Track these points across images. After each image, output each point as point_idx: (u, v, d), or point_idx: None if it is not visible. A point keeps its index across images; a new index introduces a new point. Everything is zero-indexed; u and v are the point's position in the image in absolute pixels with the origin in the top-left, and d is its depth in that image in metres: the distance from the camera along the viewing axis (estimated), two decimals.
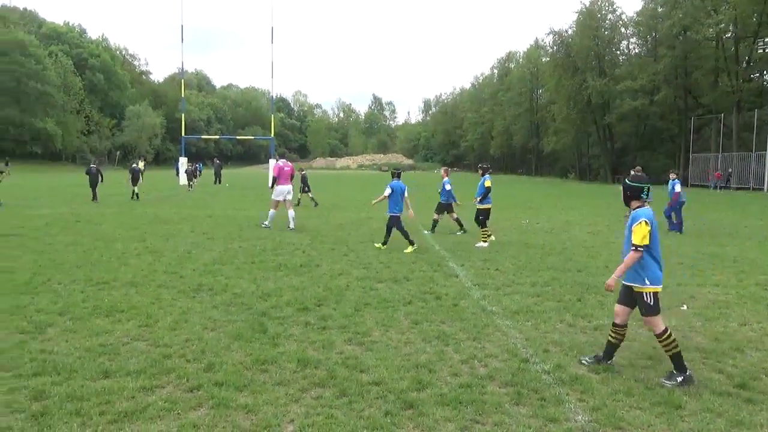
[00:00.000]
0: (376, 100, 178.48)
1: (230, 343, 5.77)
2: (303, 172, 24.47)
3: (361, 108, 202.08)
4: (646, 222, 5.00)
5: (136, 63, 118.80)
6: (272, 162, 46.00)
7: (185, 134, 48.57)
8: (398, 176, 12.32)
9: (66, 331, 6.04)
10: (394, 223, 12.05)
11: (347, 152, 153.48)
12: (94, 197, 23.82)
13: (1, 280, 8.35)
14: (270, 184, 16.17)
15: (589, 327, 6.63)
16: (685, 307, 7.57)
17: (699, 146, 54.52)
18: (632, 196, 5.25)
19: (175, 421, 4.09)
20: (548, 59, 72.96)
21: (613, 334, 5.36)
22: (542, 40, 79.00)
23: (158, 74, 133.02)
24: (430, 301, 7.66)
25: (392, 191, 11.91)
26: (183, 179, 39.81)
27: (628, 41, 67.36)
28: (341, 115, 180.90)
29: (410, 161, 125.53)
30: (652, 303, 5.07)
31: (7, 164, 53.78)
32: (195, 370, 5.05)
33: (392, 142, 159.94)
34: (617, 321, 5.33)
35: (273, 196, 15.54)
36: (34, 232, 13.66)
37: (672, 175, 16.75)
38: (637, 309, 5.23)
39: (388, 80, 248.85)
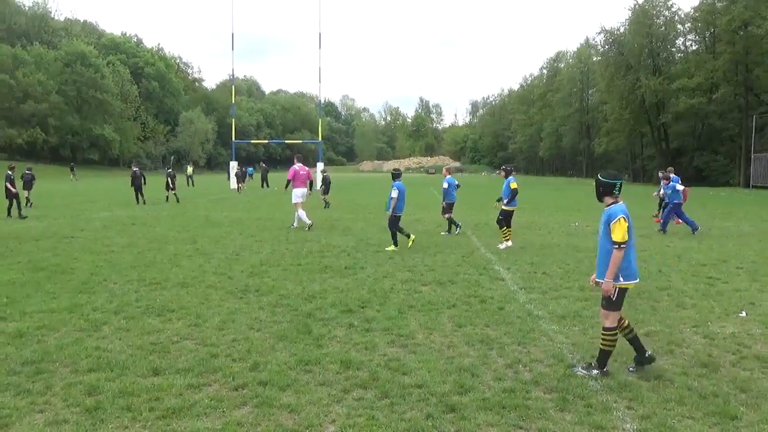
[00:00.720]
0: (423, 103, 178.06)
1: (275, 344, 5.87)
2: (325, 174, 25.00)
3: (409, 111, 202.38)
4: (624, 218, 5.02)
5: (189, 71, 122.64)
6: (320, 165, 46.66)
7: (236, 139, 49.67)
8: (399, 177, 12.56)
9: (120, 330, 6.27)
10: (395, 222, 12.31)
11: (394, 155, 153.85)
12: (137, 200, 25.06)
13: (62, 280, 8.74)
14: (285, 187, 16.78)
15: (639, 333, 6.40)
16: (744, 313, 7.24)
17: (762, 146, 52.05)
18: (605, 192, 5.27)
19: (220, 418, 4.19)
20: (599, 58, 71.24)
21: (623, 334, 5.29)
22: (593, 39, 77.33)
23: (210, 81, 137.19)
24: (474, 305, 7.58)
25: (400, 193, 12.19)
26: (234, 183, 40.81)
27: (684, 38, 65.00)
28: (388, 118, 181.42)
29: (457, 164, 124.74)
30: (614, 298, 5.10)
31: (72, 169, 56.63)
32: (240, 369, 5.16)
33: (439, 144, 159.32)
34: (607, 324, 5.20)
35: (293, 200, 16.09)
36: (93, 234, 14.24)
37: (662, 177, 17.13)
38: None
39: (435, 83, 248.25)
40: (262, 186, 43.47)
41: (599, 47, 70.43)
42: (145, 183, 25.50)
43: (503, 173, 13.35)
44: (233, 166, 43.37)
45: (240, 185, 37.77)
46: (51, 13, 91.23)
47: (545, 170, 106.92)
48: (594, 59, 77.37)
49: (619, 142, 68.20)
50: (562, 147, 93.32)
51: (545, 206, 22.75)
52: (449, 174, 15.64)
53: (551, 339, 6.14)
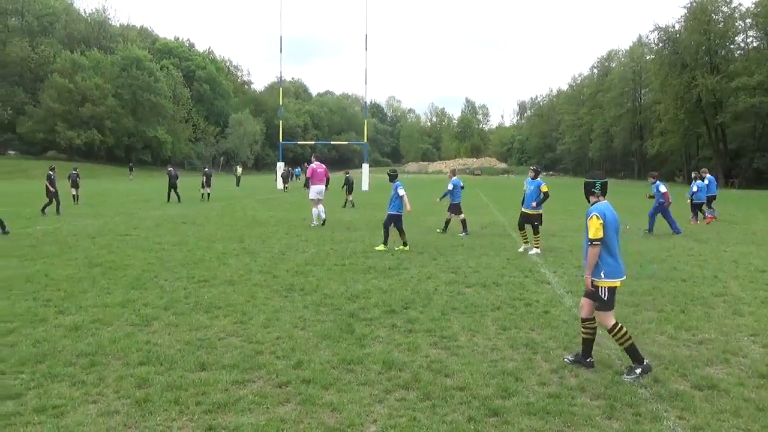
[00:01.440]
0: (470, 104, 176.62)
1: (319, 342, 5.92)
2: (348, 175, 25.49)
3: (455, 112, 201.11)
4: (597, 216, 5.16)
5: (238, 73, 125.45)
6: (365, 167, 46.93)
7: (283, 140, 50.47)
8: (396, 177, 12.87)
9: (169, 325, 6.45)
10: (395, 220, 12.45)
11: (440, 156, 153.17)
12: (168, 198, 26.41)
13: (116, 276, 9.06)
14: (304, 185, 17.37)
15: (693, 341, 6.18)
16: None
17: None
18: (587, 192, 5.52)
19: (264, 414, 4.25)
20: (653, 57, 69.10)
21: (584, 330, 5.39)
22: (646, 37, 75.15)
23: (259, 84, 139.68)
24: (519, 308, 7.47)
25: (397, 191, 12.46)
26: (281, 183, 41.48)
27: (745, 34, 62.32)
28: (434, 119, 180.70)
29: (504, 165, 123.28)
30: (606, 298, 5.19)
31: (131, 169, 58.94)
32: (284, 366, 5.22)
33: (485, 145, 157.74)
34: (582, 315, 5.39)
35: (310, 197, 16.91)
36: (146, 233, 14.71)
37: (650, 179, 17.33)
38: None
39: (482, 83, 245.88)
40: (306, 186, 44.06)
41: (653, 45, 68.35)
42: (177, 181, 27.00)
43: (532, 173, 12.72)
44: (280, 166, 44.08)
45: (285, 186, 38.42)
46: (109, 19, 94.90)
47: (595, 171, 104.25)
48: (647, 58, 75.15)
49: (673, 143, 65.96)
50: (613, 148, 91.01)
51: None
52: (455, 176, 15.88)
53: (598, 344, 5.94)
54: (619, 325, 5.19)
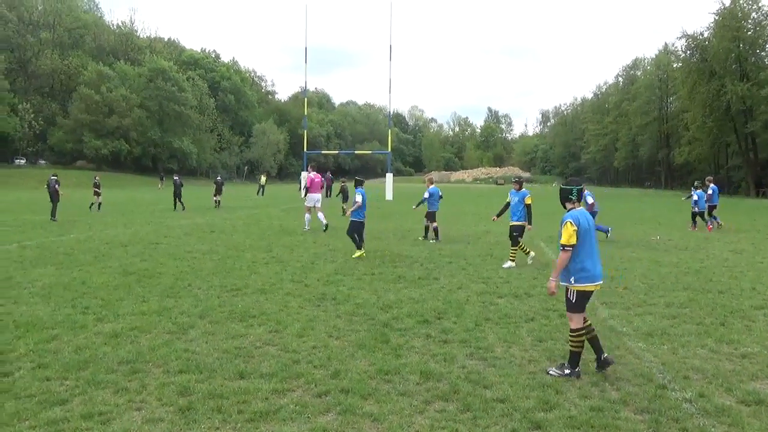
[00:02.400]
0: (492, 113, 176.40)
1: (354, 352, 5.92)
2: (344, 185, 26.67)
3: (478, 121, 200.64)
4: (570, 223, 5.32)
5: (262, 84, 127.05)
6: (389, 176, 47.02)
7: (307, 150, 50.83)
8: (362, 184, 13.39)
9: (206, 333, 6.51)
10: (358, 227, 12.72)
11: (462, 166, 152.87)
12: (175, 206, 27.05)
13: (151, 284, 9.20)
14: (303, 194, 18.11)
15: (735, 354, 6.04)
16: None
17: None
18: (563, 198, 5.68)
19: (305, 424, 4.26)
20: (680, 65, 68.20)
21: (586, 336, 5.45)
22: (673, 45, 74.43)
23: (282, 94, 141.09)
24: (553, 319, 7.39)
25: (363, 198, 12.86)
26: (305, 192, 41.74)
27: None
28: (456, 128, 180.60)
29: (527, 174, 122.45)
30: (573, 300, 5.37)
31: (162, 179, 60.11)
32: (322, 376, 5.23)
33: (508, 155, 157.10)
34: (577, 326, 5.44)
35: (306, 203, 18.19)
36: (176, 241, 14.92)
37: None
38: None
39: (505, 92, 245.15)
40: (327, 195, 44.27)
41: (680, 53, 67.48)
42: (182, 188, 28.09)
43: (516, 185, 12.11)
44: (304, 176, 44.35)
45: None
46: (136, 31, 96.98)
47: (620, 181, 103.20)
48: (674, 65, 74.16)
49: (701, 152, 64.93)
50: (638, 157, 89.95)
51: (622, 219, 21.94)
52: (432, 185, 16.19)
53: (638, 357, 5.88)
54: (584, 331, 5.37)
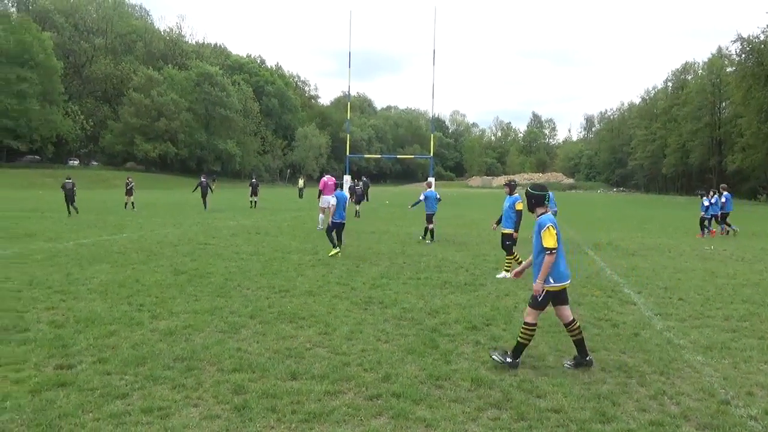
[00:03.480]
0: (536, 118, 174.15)
1: (404, 357, 5.91)
2: (358, 186, 29.09)
3: (520, 126, 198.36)
4: (552, 227, 5.61)
5: (306, 88, 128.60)
6: (431, 180, 46.84)
7: (349, 153, 51.16)
8: (341, 187, 14.41)
9: (257, 333, 6.61)
10: (336, 228, 13.33)
11: (504, 171, 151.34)
12: (205, 206, 28.36)
13: (202, 284, 9.40)
14: (317, 196, 19.52)
15: None
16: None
17: None
18: (536, 203, 5.86)
19: (358, 427, 4.27)
20: (734, 69, 65.92)
21: (571, 333, 5.76)
22: (726, 49, 71.94)
23: (325, 98, 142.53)
24: (606, 329, 7.21)
25: (337, 201, 13.37)
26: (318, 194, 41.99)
27: None
28: (499, 133, 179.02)
29: (571, 180, 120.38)
30: (540, 299, 5.64)
31: (214, 180, 61.74)
32: (373, 379, 5.24)
33: (551, 160, 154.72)
34: (564, 322, 5.80)
35: (320, 204, 19.14)
36: (224, 242, 15.22)
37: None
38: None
39: (549, 97, 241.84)
40: (364, 199, 44.42)
41: (734, 57, 65.24)
42: (212, 191, 30.06)
43: (506, 189, 11.60)
44: (347, 180, 44.60)
45: (352, 200, 39.02)
46: (184, 37, 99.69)
47: (669, 188, 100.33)
48: (728, 70, 71.75)
49: (756, 159, 62.47)
50: (688, 164, 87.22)
51: (673, 227, 21.33)
52: (430, 188, 17.14)
53: (698, 371, 5.68)
54: (536, 326, 5.72)
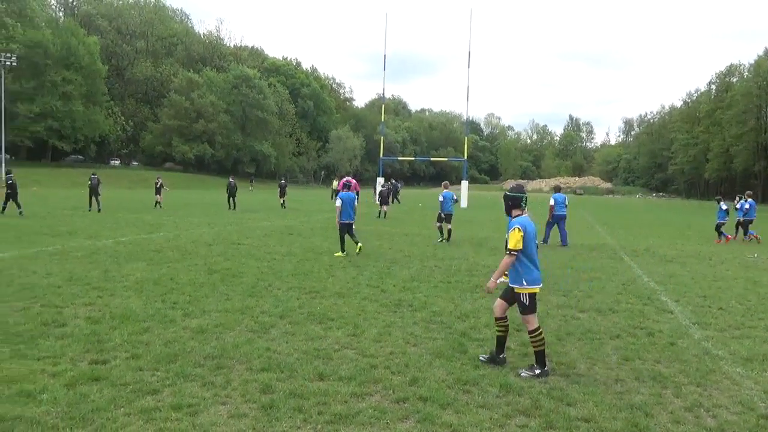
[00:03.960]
0: (573, 121, 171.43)
1: (432, 360, 5.87)
2: (384, 189, 29.69)
3: (557, 129, 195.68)
4: (518, 228, 5.61)
5: (341, 91, 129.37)
6: (464, 183, 46.64)
7: (383, 156, 51.28)
8: (348, 188, 14.33)
9: (286, 334, 6.66)
10: (345, 229, 13.59)
11: (539, 174, 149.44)
12: (230, 206, 29.15)
13: (234, 283, 9.53)
14: (331, 196, 19.02)
15: None
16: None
17: None
18: (513, 205, 5.91)
19: (384, 430, 4.25)
20: None
21: (498, 328, 5.86)
22: None
23: (359, 101, 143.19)
24: (641, 337, 7.03)
25: (342, 202, 13.59)
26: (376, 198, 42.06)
27: None
28: (534, 136, 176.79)
29: (608, 185, 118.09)
30: (527, 303, 5.65)
31: (251, 181, 62.85)
32: (400, 382, 5.22)
33: (588, 164, 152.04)
34: (496, 314, 5.84)
35: (336, 204, 19.45)
36: (256, 242, 15.40)
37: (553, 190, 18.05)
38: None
39: (585, 100, 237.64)
40: (393, 201, 44.43)
41: None
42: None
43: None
44: (380, 182, 44.72)
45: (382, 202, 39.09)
46: (222, 40, 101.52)
47: (710, 194, 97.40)
48: None
49: None
50: (732, 169, 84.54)
51: (715, 234, 20.70)
52: (446, 189, 17.46)
53: (737, 383, 5.49)
54: (540, 329, 5.63)
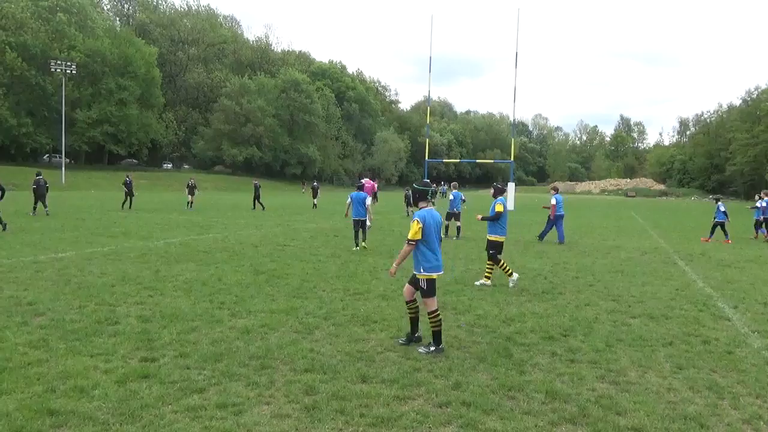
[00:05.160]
0: (624, 121, 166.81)
1: (476, 365, 5.79)
2: (407, 191, 30.38)
3: (607, 129, 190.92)
4: (417, 221, 6.10)
5: (386, 93, 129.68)
6: (511, 185, 46.05)
7: (428, 158, 51.13)
8: (360, 188, 15.34)
9: (330, 335, 6.69)
10: (357, 225, 14.69)
11: (588, 176, 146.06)
12: (254, 206, 31.13)
13: (279, 284, 9.65)
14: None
15: None
16: None
17: None
18: (420, 197, 6.42)
19: None
20: None
21: (409, 311, 6.46)
22: None
23: (405, 103, 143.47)
24: (695, 345, 6.75)
25: (351, 200, 14.74)
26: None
27: None
28: (584, 137, 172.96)
29: (662, 187, 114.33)
30: (425, 287, 6.19)
31: (303, 184, 64.21)
32: (443, 386, 5.16)
33: (640, 165, 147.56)
34: (406, 298, 6.43)
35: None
36: (302, 244, 15.58)
37: (552, 191, 18.54)
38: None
39: (637, 100, 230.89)
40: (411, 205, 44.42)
41: None
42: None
43: (492, 191, 10.98)
44: (454, 185, 44.49)
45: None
46: (271, 45, 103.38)
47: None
48: None
49: None
50: None
51: (719, 233, 19.85)
52: (455, 189, 19.29)
53: None
54: (438, 311, 6.19)
